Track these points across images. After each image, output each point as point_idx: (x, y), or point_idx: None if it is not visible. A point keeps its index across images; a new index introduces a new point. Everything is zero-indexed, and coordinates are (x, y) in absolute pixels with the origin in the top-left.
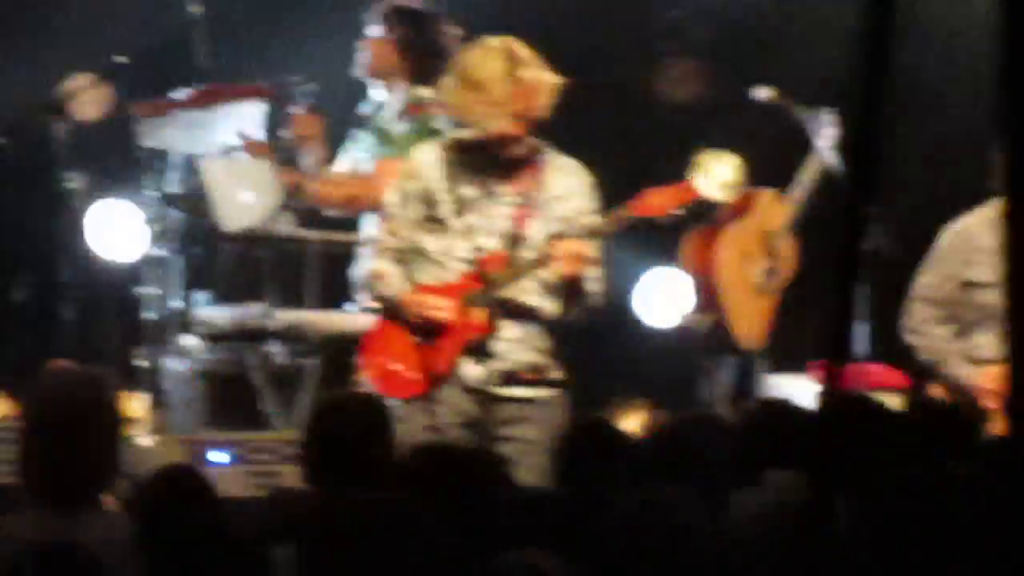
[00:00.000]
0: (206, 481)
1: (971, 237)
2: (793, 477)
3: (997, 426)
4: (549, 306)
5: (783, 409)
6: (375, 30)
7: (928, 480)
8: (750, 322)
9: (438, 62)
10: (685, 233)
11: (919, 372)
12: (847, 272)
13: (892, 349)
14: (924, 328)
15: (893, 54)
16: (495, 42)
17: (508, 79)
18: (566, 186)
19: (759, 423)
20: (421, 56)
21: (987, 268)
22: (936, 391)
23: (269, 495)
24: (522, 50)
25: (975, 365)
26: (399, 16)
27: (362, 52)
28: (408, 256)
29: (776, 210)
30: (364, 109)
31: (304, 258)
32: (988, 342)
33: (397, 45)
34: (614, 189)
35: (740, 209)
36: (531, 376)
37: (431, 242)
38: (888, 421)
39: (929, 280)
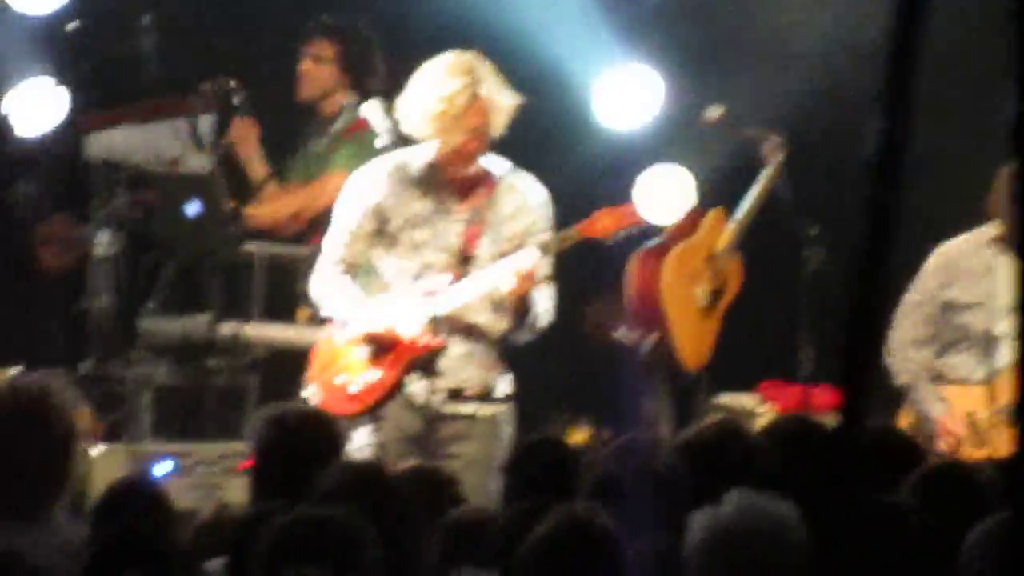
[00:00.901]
0: (163, 495)
1: (956, 258)
2: (756, 496)
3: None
4: (497, 323)
5: (736, 429)
6: (309, 51)
7: (868, 507)
8: (694, 342)
9: (371, 78)
10: (631, 252)
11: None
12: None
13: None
14: (902, 350)
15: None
16: (457, 58)
17: (467, 95)
18: (518, 204)
19: (712, 443)
20: (355, 71)
21: (969, 289)
22: (904, 417)
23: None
24: (483, 67)
25: (950, 384)
26: (329, 33)
27: (301, 75)
28: (356, 270)
29: (721, 230)
30: (308, 124)
31: (251, 270)
32: (964, 362)
33: (332, 62)
34: (566, 209)
35: (686, 229)
36: (476, 393)
37: (379, 256)
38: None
39: (911, 299)
